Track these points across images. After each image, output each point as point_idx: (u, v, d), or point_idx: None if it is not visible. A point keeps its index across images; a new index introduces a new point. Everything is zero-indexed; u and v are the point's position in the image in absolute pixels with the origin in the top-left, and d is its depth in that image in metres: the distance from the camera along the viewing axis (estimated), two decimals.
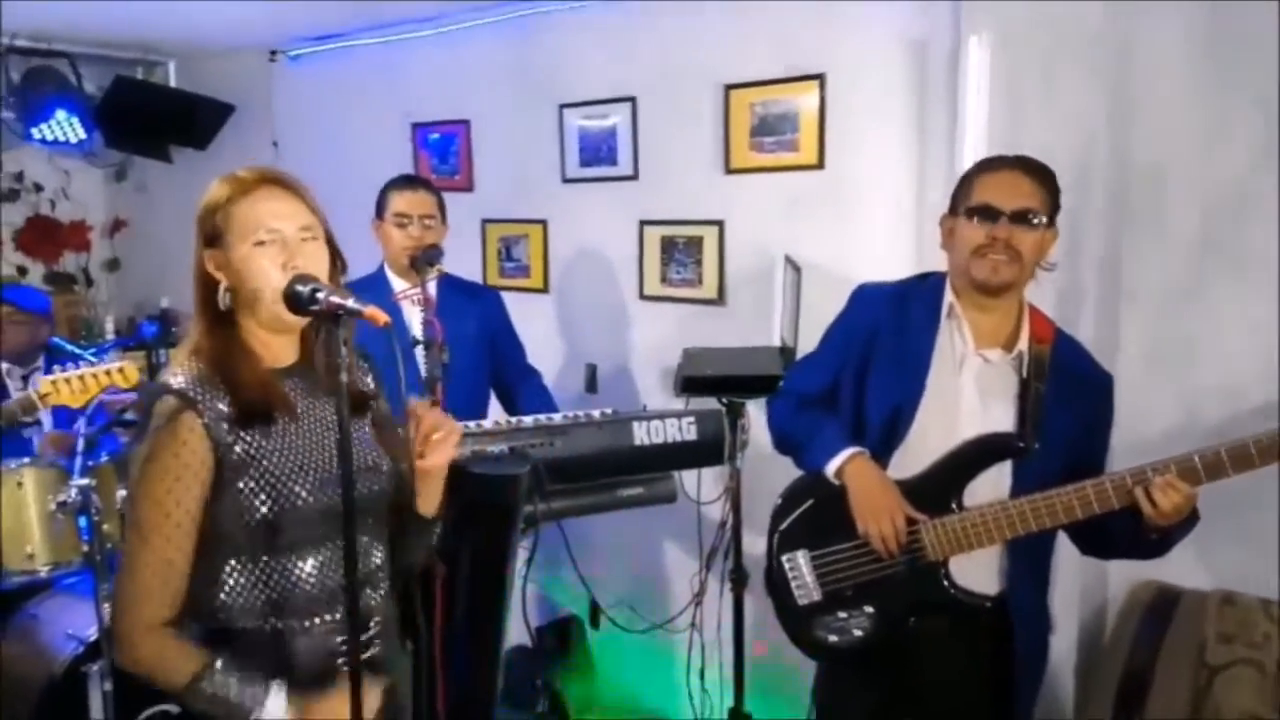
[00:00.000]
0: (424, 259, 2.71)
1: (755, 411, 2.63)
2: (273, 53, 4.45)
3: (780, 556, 2.11)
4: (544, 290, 3.84)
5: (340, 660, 1.54)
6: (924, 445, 2.00)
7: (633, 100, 3.49)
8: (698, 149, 3.34)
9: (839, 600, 2.06)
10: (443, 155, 4.06)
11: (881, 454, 2.03)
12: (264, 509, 1.51)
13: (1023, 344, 1.98)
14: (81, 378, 2.56)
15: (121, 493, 2.96)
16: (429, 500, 1.64)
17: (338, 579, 1.57)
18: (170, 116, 4.44)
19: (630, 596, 3.03)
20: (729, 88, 3.24)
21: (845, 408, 2.11)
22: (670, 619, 2.80)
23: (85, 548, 3.01)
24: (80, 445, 2.98)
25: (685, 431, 2.45)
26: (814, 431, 2.10)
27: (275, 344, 1.60)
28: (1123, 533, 1.90)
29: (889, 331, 2.04)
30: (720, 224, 3.33)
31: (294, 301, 1.50)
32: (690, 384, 2.74)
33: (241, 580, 1.54)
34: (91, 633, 2.83)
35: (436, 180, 3.99)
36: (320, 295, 1.45)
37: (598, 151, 3.60)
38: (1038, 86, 2.58)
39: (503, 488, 2.19)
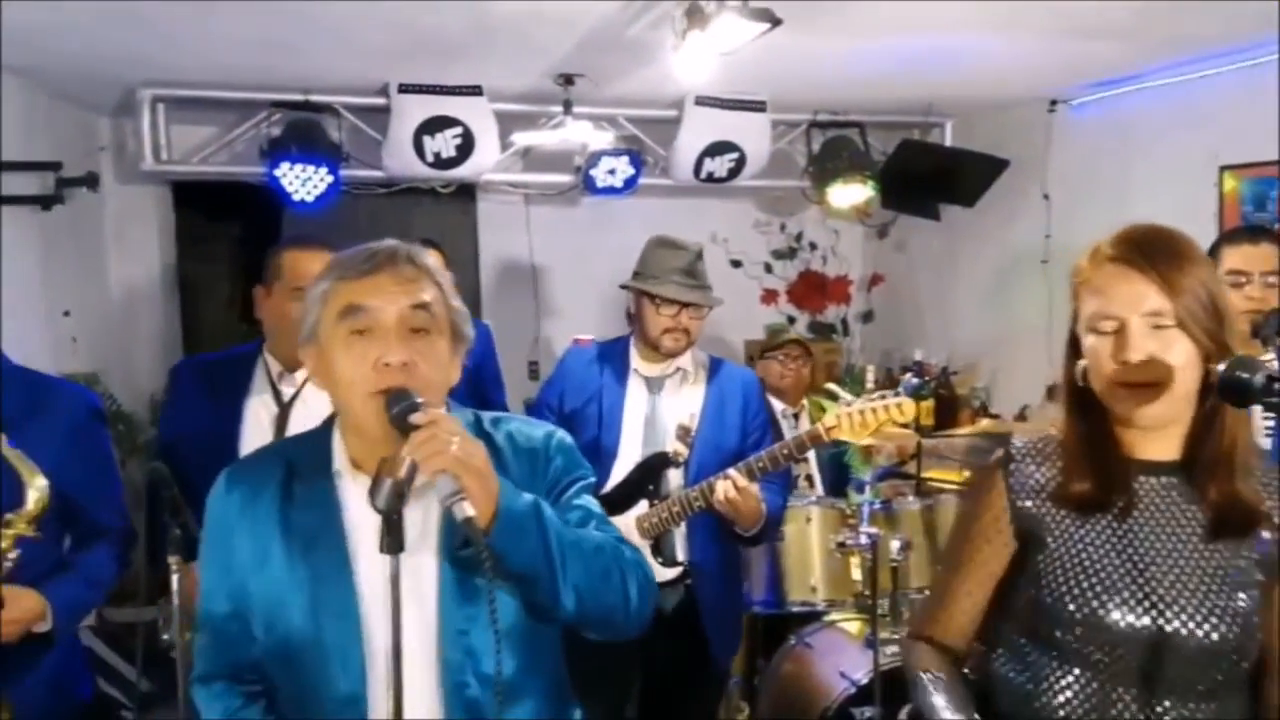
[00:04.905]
0: (1270, 327, 2.24)
1: None
2: (1053, 103, 4.29)
3: None
4: None
5: None
6: None
7: None
8: None
9: None
10: (1260, 201, 3.45)
11: None
12: (1050, 599, 1.35)
13: None
14: (863, 412, 2.61)
15: (894, 542, 3.03)
16: None
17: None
18: (944, 175, 4.56)
19: None
20: None
21: None
22: None
23: (860, 589, 3.17)
24: (866, 493, 3.15)
25: None
26: None
27: (1152, 435, 1.37)
28: None
29: None
30: None
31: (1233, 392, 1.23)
32: None
33: (1006, 659, 1.44)
34: (862, 676, 2.93)
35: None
36: None
37: None
38: None
39: None
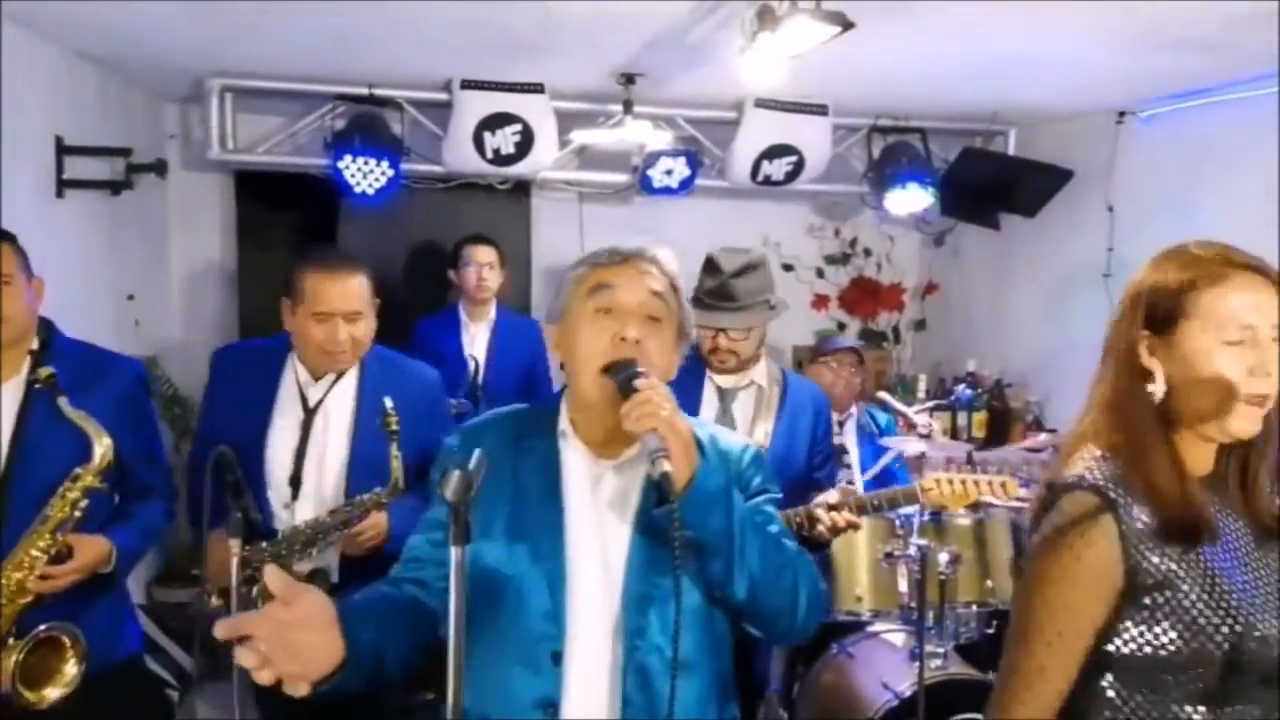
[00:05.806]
0: None
1: None
2: (1121, 114, 4.20)
3: None
4: None
5: None
6: None
7: None
8: None
9: None
10: None
11: None
12: (1167, 640, 1.29)
13: None
14: (964, 483, 2.64)
15: (943, 555, 2.99)
16: None
17: None
18: (1006, 184, 4.49)
19: None
20: None
21: None
22: None
23: (906, 601, 3.13)
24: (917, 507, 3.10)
25: None
26: None
27: (1198, 450, 1.37)
28: None
29: None
30: None
31: None
32: None
33: (1121, 712, 1.33)
34: (906, 688, 2.89)
35: None
36: None
37: None
38: None
39: None
